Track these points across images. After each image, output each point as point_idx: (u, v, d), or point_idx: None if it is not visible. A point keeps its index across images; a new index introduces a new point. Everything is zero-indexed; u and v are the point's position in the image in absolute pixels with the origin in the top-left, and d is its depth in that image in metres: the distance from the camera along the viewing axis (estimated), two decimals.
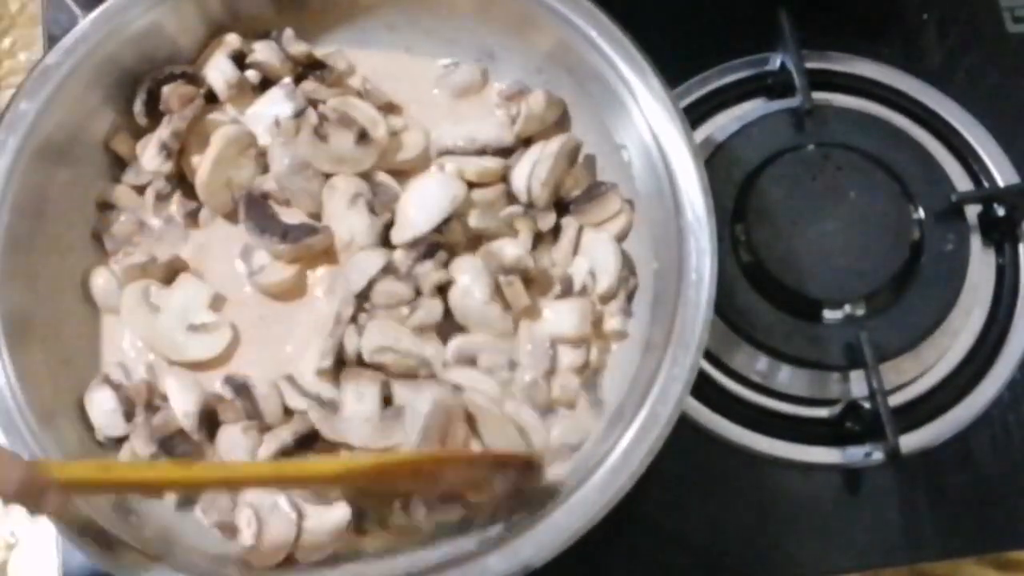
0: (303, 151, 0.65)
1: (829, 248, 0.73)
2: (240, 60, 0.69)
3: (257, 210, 0.66)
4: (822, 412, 0.72)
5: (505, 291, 0.63)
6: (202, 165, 0.65)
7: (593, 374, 0.65)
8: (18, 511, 0.72)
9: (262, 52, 0.69)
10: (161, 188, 0.67)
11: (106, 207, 0.69)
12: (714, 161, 0.76)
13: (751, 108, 0.80)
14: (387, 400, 0.62)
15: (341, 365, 0.62)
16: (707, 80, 0.81)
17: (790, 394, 0.72)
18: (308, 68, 0.70)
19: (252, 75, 0.69)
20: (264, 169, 0.68)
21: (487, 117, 0.71)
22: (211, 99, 0.69)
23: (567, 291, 0.65)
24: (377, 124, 0.67)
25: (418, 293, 0.63)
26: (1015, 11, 0.84)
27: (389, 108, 0.70)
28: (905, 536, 0.69)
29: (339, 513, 0.60)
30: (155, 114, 0.67)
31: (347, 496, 0.60)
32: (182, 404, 0.61)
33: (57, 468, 0.53)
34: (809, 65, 0.78)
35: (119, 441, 0.62)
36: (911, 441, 0.71)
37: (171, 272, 0.66)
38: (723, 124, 0.79)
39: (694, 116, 0.79)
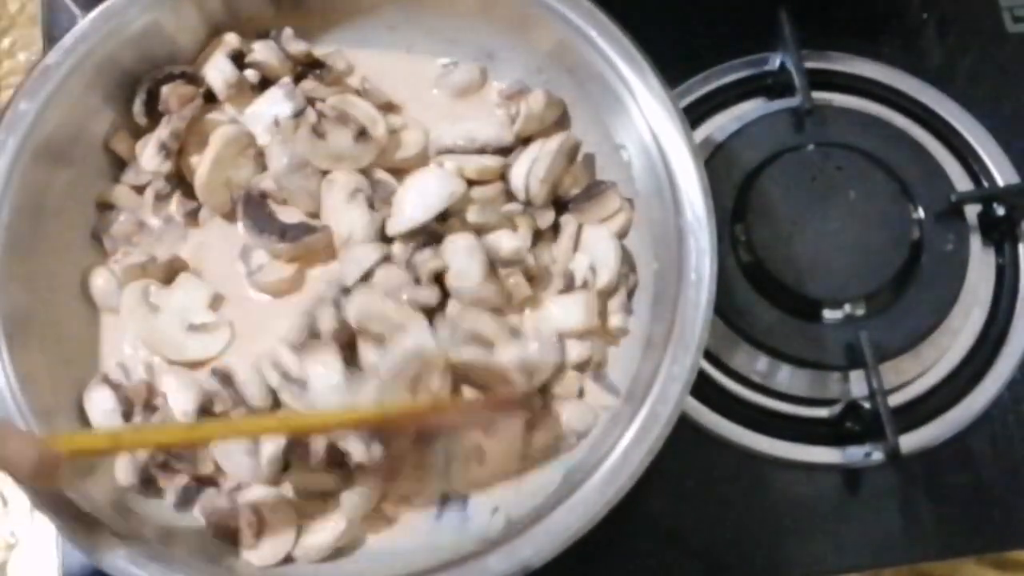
0: (301, 148, 0.65)
1: (829, 248, 0.73)
2: (239, 60, 0.69)
3: (255, 210, 0.66)
4: (822, 412, 0.72)
5: (505, 283, 0.63)
6: (201, 165, 0.65)
7: (597, 367, 0.65)
8: (18, 511, 0.73)
9: (261, 52, 0.69)
10: (160, 188, 0.67)
11: (106, 207, 0.68)
12: (714, 161, 0.76)
13: (751, 108, 0.80)
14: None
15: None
16: (707, 80, 0.81)
17: (790, 394, 0.72)
18: (307, 67, 0.70)
19: (251, 75, 0.69)
20: (263, 169, 0.68)
21: (486, 116, 0.71)
22: (210, 99, 0.69)
23: (569, 286, 0.65)
24: (376, 122, 0.67)
25: (416, 282, 0.63)
26: (1015, 11, 0.84)
27: (388, 108, 0.70)
28: (905, 536, 0.69)
29: (339, 513, 0.60)
30: (154, 114, 0.67)
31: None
32: (181, 403, 0.61)
33: (66, 441, 0.54)
34: (809, 65, 0.78)
35: None
36: (911, 441, 0.71)
37: (171, 272, 0.66)
38: (723, 124, 0.79)
39: (694, 116, 0.79)
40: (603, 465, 0.57)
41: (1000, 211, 0.76)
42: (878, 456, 0.70)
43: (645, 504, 0.69)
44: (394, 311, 0.61)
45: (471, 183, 0.67)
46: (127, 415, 0.62)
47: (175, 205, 0.68)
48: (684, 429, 0.67)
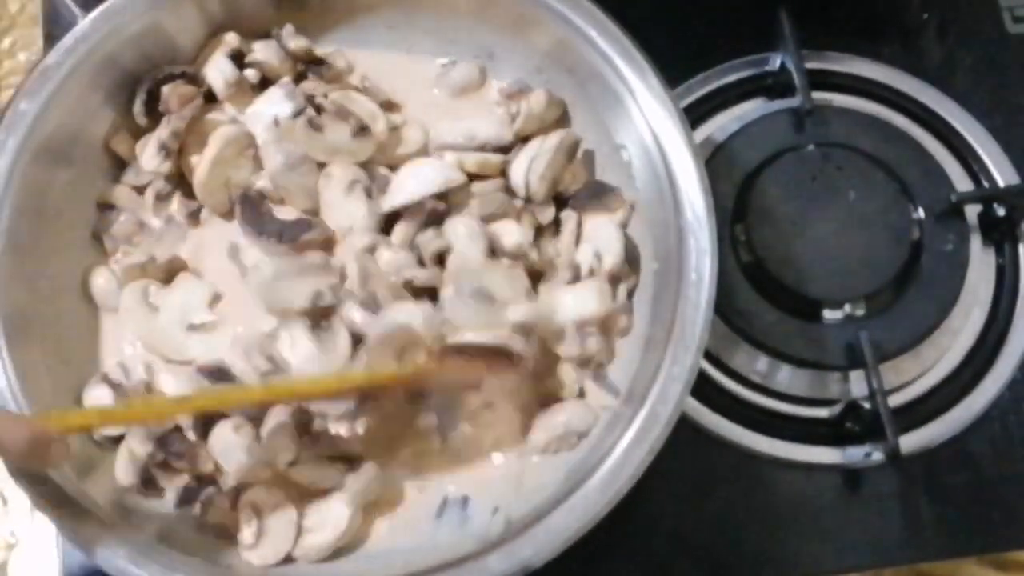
0: (299, 140, 0.65)
1: (829, 248, 0.73)
2: (239, 59, 0.69)
3: (252, 210, 0.65)
4: (822, 412, 0.72)
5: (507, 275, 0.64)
6: (200, 165, 0.65)
7: (598, 366, 0.65)
8: (18, 511, 0.73)
9: (261, 52, 0.69)
10: (161, 188, 0.67)
11: (106, 207, 0.69)
12: (714, 161, 0.76)
13: (751, 108, 0.80)
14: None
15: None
16: (707, 80, 0.81)
17: (790, 394, 0.72)
18: (308, 64, 0.70)
19: (251, 74, 0.69)
20: (262, 168, 0.68)
21: (486, 115, 0.71)
22: (211, 99, 0.69)
23: (576, 277, 0.65)
24: (376, 118, 0.68)
25: (420, 264, 0.63)
26: (1015, 11, 0.84)
27: (388, 106, 0.70)
28: (905, 536, 0.69)
29: (339, 512, 0.60)
30: (155, 114, 0.67)
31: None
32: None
33: (57, 419, 0.55)
34: (809, 65, 0.78)
35: (116, 441, 0.62)
36: (911, 441, 0.71)
37: (170, 272, 0.66)
38: (723, 124, 0.79)
39: (694, 116, 0.79)
40: (603, 465, 0.57)
41: (1000, 211, 0.76)
42: (878, 456, 0.70)
43: (645, 504, 0.69)
44: (389, 287, 0.61)
45: (472, 177, 0.67)
46: None
47: (176, 205, 0.68)
48: (684, 429, 0.67)
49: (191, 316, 0.65)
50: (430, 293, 0.63)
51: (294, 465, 0.62)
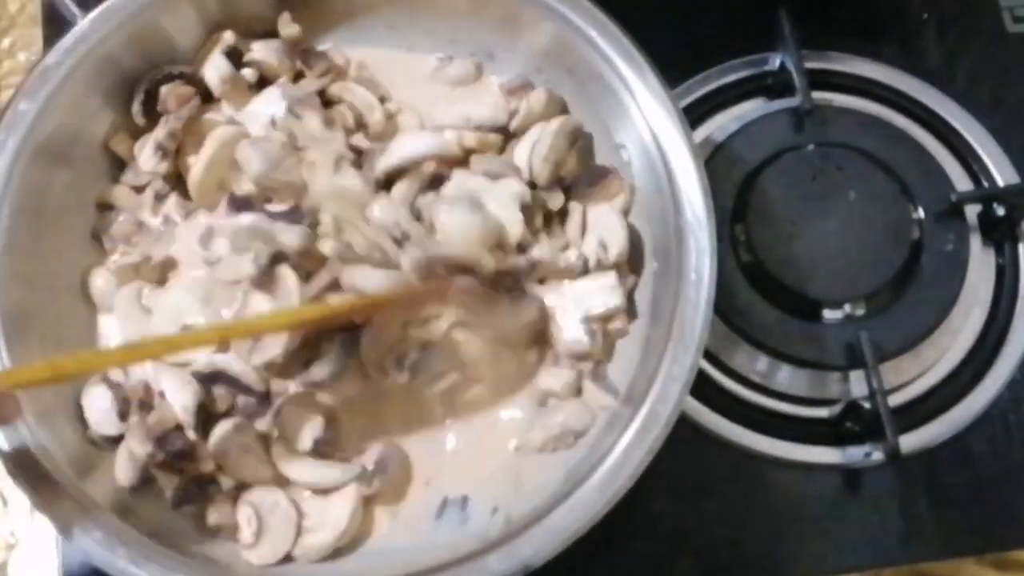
0: (285, 130, 0.65)
1: (829, 248, 0.73)
2: (237, 58, 0.69)
3: (245, 209, 0.65)
4: (822, 412, 0.72)
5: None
6: (195, 166, 0.65)
7: (598, 364, 0.65)
8: (18, 511, 0.73)
9: (260, 51, 0.69)
10: (160, 188, 0.67)
11: (105, 207, 0.68)
12: (714, 161, 0.76)
13: (751, 108, 0.80)
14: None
15: None
16: (707, 80, 0.81)
17: (790, 394, 0.72)
18: (302, 55, 0.70)
19: (249, 74, 0.69)
20: None
21: (484, 100, 0.71)
22: (209, 99, 0.69)
23: (584, 270, 0.65)
24: (373, 108, 0.68)
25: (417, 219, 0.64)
26: (1015, 11, 0.84)
27: (383, 100, 0.71)
28: (905, 536, 0.69)
29: (339, 512, 0.60)
30: (153, 114, 0.67)
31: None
32: (180, 401, 0.61)
33: (5, 377, 0.56)
34: (809, 65, 0.78)
35: (116, 441, 0.62)
36: (911, 441, 0.71)
37: (164, 273, 0.66)
38: (723, 124, 0.79)
39: (694, 116, 0.79)
40: (603, 465, 0.57)
41: (1000, 211, 0.76)
42: (878, 456, 0.70)
43: (645, 504, 0.69)
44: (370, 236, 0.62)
45: (471, 152, 0.67)
46: (123, 414, 0.62)
47: (170, 205, 0.67)
48: (684, 429, 0.68)
49: (184, 317, 0.64)
50: None
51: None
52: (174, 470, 0.62)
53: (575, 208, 0.68)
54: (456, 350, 0.65)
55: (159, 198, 0.67)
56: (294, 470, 0.62)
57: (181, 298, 0.65)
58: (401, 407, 0.65)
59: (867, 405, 0.70)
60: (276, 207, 0.65)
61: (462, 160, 0.68)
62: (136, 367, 0.64)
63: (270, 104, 0.67)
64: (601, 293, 0.64)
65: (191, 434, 0.61)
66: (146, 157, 0.67)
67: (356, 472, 0.62)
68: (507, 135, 0.69)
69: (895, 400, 0.71)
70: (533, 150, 0.66)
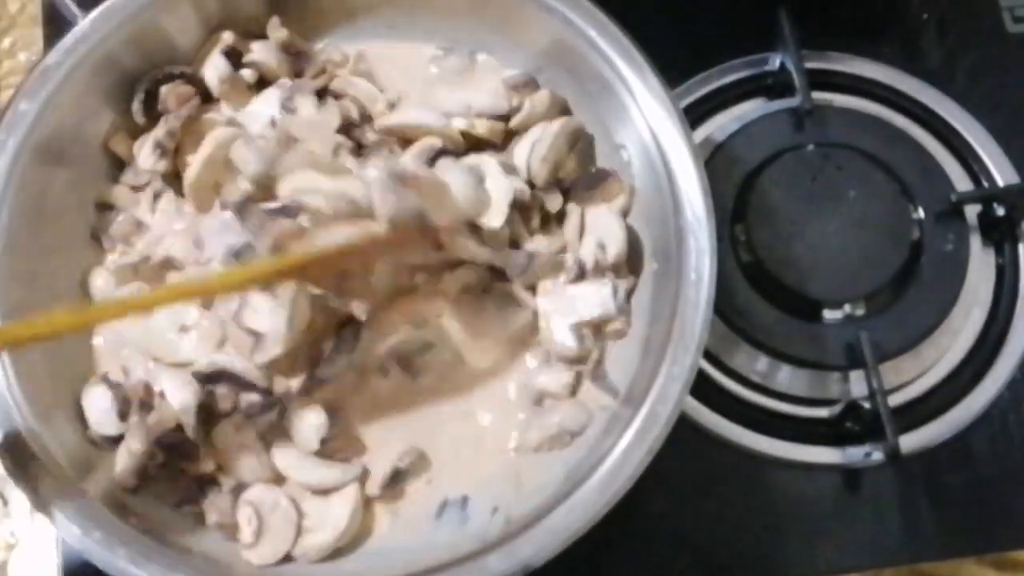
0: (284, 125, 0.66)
1: (829, 248, 0.73)
2: (237, 58, 0.69)
3: (246, 211, 0.65)
4: (822, 412, 0.72)
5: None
6: (192, 165, 0.65)
7: (596, 365, 0.65)
8: (18, 511, 0.73)
9: (259, 52, 0.69)
10: (159, 188, 0.67)
11: (105, 207, 0.68)
12: (714, 161, 0.76)
13: (751, 108, 0.80)
14: None
15: None
16: (707, 80, 0.81)
17: (790, 394, 0.72)
18: (294, 57, 0.70)
19: (248, 74, 0.69)
20: None
21: (484, 88, 0.70)
22: (209, 99, 0.69)
23: (581, 275, 0.65)
24: (376, 99, 0.68)
25: None
26: (1015, 11, 0.84)
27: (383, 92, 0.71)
28: (905, 536, 0.69)
29: (339, 512, 0.60)
30: (153, 114, 0.67)
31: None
32: (180, 401, 0.61)
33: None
34: (809, 65, 0.78)
35: (115, 441, 0.62)
36: (911, 441, 0.71)
37: (163, 273, 0.66)
38: (723, 124, 0.79)
39: (694, 116, 0.79)
40: (603, 465, 0.57)
41: (1000, 211, 0.76)
42: (878, 456, 0.70)
43: (645, 504, 0.69)
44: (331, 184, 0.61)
45: (476, 141, 0.68)
46: (123, 414, 0.62)
47: (164, 203, 0.67)
48: (684, 429, 0.68)
49: (183, 317, 0.64)
50: None
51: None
52: (174, 470, 0.62)
53: (573, 210, 0.68)
54: (456, 350, 0.65)
55: (157, 197, 0.67)
56: (295, 470, 0.62)
57: None
58: (401, 407, 0.65)
59: (867, 405, 0.70)
60: (271, 204, 0.65)
61: (464, 149, 0.68)
62: (136, 367, 0.64)
63: (269, 104, 0.67)
64: (593, 299, 0.64)
65: (191, 434, 0.61)
66: (145, 156, 0.67)
67: (356, 472, 0.62)
68: (508, 131, 0.69)
69: (895, 400, 0.71)
70: (532, 150, 0.66)
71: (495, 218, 0.63)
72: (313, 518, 0.61)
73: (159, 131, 0.66)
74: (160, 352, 0.64)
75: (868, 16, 0.84)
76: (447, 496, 0.63)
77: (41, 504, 0.57)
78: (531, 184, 0.67)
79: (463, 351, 0.66)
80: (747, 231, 0.73)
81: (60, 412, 0.62)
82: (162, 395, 0.62)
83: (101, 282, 0.66)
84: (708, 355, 0.72)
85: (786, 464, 0.71)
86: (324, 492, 0.62)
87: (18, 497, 0.74)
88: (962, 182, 0.78)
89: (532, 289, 0.66)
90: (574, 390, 0.65)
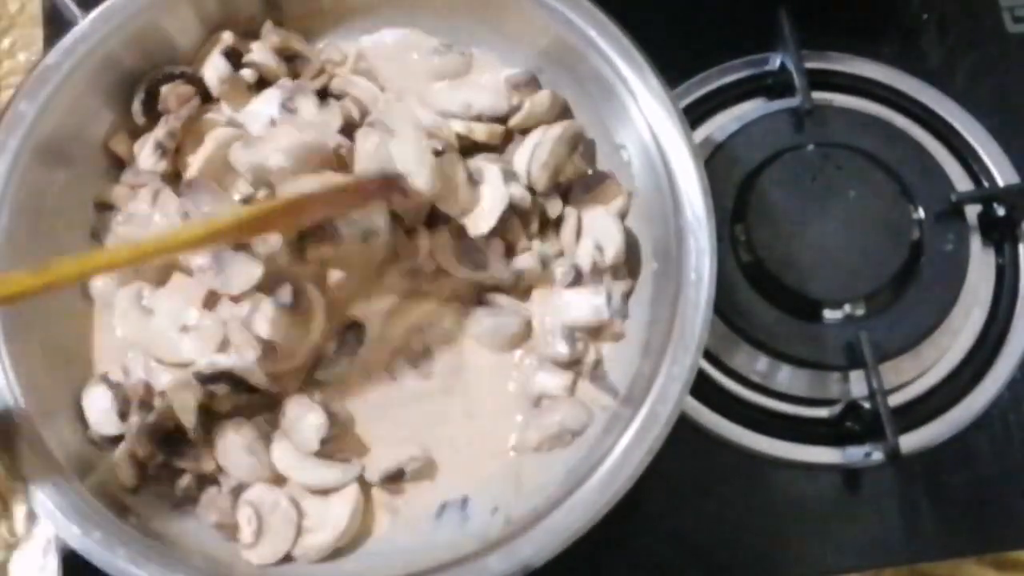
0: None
1: (829, 248, 0.73)
2: (236, 59, 0.69)
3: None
4: (822, 412, 0.72)
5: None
6: (192, 165, 0.65)
7: (594, 366, 0.65)
8: (18, 511, 0.73)
9: (259, 52, 0.69)
10: (158, 188, 0.67)
11: (105, 207, 0.68)
12: (714, 161, 0.76)
13: (751, 108, 0.80)
14: None
15: None
16: (707, 80, 0.81)
17: (790, 394, 0.72)
18: (290, 60, 0.70)
19: (248, 74, 0.69)
20: None
21: (484, 87, 0.70)
22: (209, 99, 0.69)
23: (577, 279, 0.65)
24: (377, 97, 0.68)
25: None
26: (1015, 11, 0.84)
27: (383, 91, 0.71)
28: (905, 536, 0.69)
29: (339, 512, 0.60)
30: (153, 114, 0.67)
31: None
32: (181, 401, 0.61)
33: None
34: (809, 65, 0.78)
35: (115, 441, 0.62)
36: (911, 441, 0.71)
37: (164, 272, 0.66)
38: (723, 124, 0.79)
39: (694, 116, 0.79)
40: (603, 465, 0.57)
41: (1000, 211, 0.76)
42: (878, 456, 0.70)
43: (645, 504, 0.69)
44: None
45: (479, 147, 0.68)
46: (123, 414, 0.62)
47: (164, 201, 0.67)
48: (684, 429, 0.67)
49: (184, 317, 0.64)
50: None
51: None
52: (174, 470, 0.62)
53: (570, 213, 0.68)
54: (456, 351, 0.65)
55: (157, 197, 0.67)
56: (295, 470, 0.62)
57: (181, 299, 0.65)
58: (402, 407, 0.65)
59: (867, 405, 0.70)
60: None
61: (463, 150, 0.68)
62: (136, 367, 0.64)
63: (269, 104, 0.67)
64: (586, 307, 0.65)
65: (191, 434, 0.61)
66: (145, 156, 0.67)
67: (356, 472, 0.62)
68: (507, 130, 0.69)
69: (895, 400, 0.71)
70: (533, 155, 0.66)
71: (483, 224, 0.63)
72: (313, 518, 0.61)
73: (159, 131, 0.66)
74: (160, 352, 0.64)
75: (868, 16, 0.84)
76: (447, 496, 0.63)
77: (41, 505, 0.57)
78: (531, 190, 0.67)
79: (463, 352, 0.66)
80: (747, 231, 0.73)
81: (60, 412, 0.62)
82: (162, 395, 0.62)
83: (101, 282, 0.66)
84: (708, 355, 0.72)
85: (786, 464, 0.71)
86: (324, 492, 0.62)
87: (18, 497, 0.74)
88: (962, 182, 0.78)
89: (528, 292, 0.67)
90: (571, 391, 0.65)
